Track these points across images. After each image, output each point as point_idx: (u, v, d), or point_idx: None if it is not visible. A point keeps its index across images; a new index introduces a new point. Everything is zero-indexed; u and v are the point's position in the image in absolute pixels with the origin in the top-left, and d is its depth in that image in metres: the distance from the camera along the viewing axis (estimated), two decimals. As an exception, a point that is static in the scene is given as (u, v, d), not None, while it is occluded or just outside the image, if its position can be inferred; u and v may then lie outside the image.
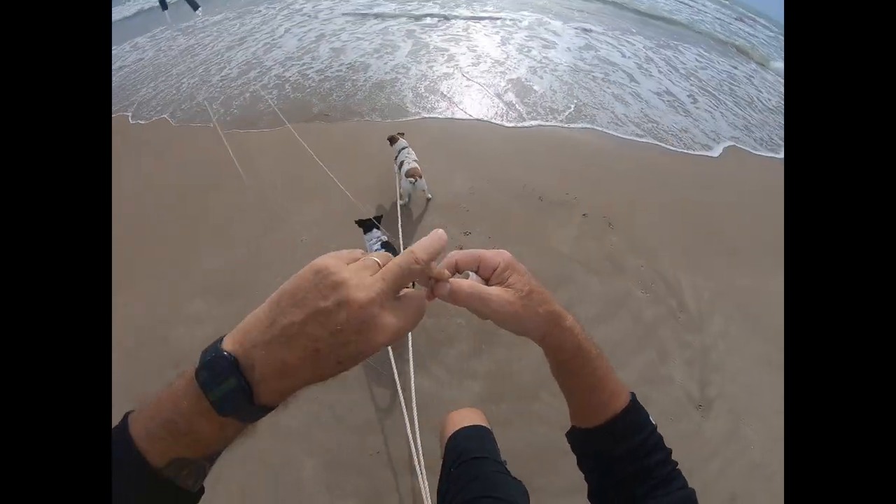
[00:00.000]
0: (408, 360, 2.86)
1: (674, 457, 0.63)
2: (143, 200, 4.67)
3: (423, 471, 1.92)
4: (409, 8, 9.96)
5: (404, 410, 2.49)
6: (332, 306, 0.42)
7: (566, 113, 6.16)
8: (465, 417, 1.50)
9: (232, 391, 0.42)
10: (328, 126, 5.75)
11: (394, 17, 9.41)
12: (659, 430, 0.65)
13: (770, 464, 2.65)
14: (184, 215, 4.43)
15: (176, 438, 0.42)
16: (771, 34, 13.03)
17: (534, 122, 5.90)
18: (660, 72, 7.96)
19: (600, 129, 5.92)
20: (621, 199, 4.53)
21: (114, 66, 8.28)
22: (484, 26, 9.09)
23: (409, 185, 3.79)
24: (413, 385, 2.73)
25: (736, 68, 8.97)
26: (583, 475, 0.70)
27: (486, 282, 0.59)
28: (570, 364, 0.62)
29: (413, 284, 0.56)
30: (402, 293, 0.49)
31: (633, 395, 0.65)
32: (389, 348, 2.82)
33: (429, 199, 4.24)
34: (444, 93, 6.46)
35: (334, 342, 0.42)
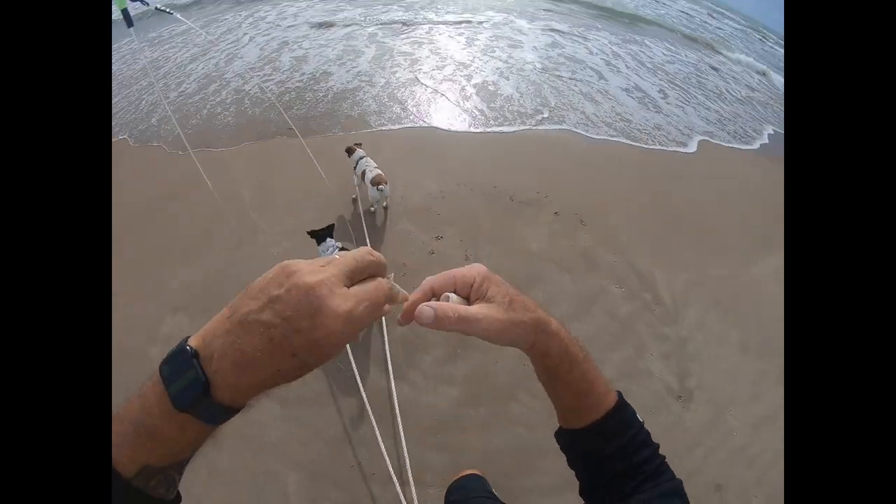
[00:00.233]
0: (387, 371, 2.86)
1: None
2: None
3: (412, 481, 1.99)
4: (375, 12, 10.00)
5: (374, 421, 2.51)
6: (284, 292, 0.43)
7: (535, 114, 6.23)
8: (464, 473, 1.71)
9: (190, 383, 0.42)
10: (288, 141, 5.66)
11: (359, 23, 9.42)
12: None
13: (752, 447, 2.69)
14: (152, 234, 4.30)
15: (142, 442, 0.42)
16: (738, 27, 13.45)
17: (502, 125, 5.96)
18: (627, 67, 8.13)
19: (571, 128, 6.01)
20: (593, 196, 4.59)
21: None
22: (448, 28, 9.18)
23: (377, 193, 3.78)
24: (395, 397, 2.73)
25: (702, 61, 9.22)
26: (573, 473, 0.70)
27: (467, 299, 0.58)
28: (558, 369, 0.61)
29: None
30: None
31: (619, 393, 0.66)
32: (353, 360, 2.80)
33: (386, 207, 4.25)
34: (410, 100, 6.45)
35: (287, 329, 0.42)
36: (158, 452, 0.43)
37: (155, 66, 8.23)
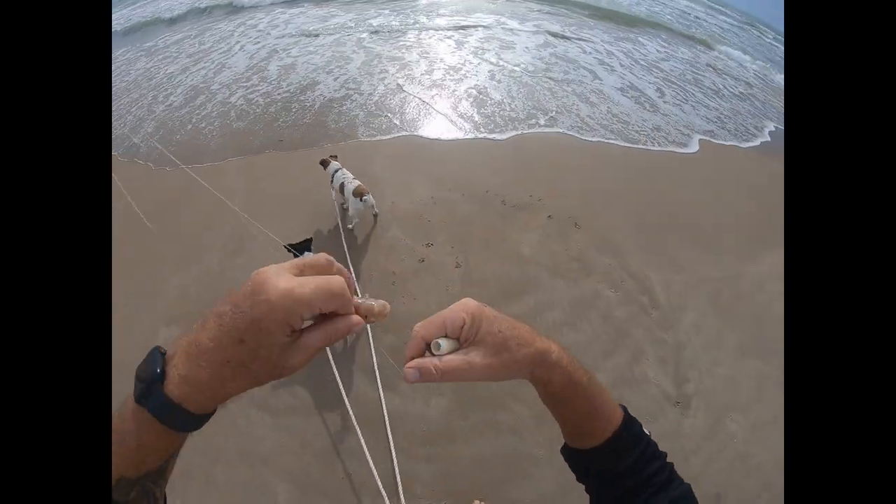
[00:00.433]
0: (377, 382, 2.86)
1: None
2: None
3: (402, 494, 1.98)
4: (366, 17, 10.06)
5: (360, 433, 2.49)
6: (241, 286, 0.46)
7: (528, 118, 6.22)
8: None
9: (150, 377, 0.44)
10: (279, 154, 5.67)
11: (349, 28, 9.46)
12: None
13: (755, 454, 2.66)
14: (147, 247, 4.31)
15: (115, 449, 0.44)
16: (734, 23, 13.48)
17: (494, 130, 5.95)
18: (622, 66, 8.13)
19: (565, 131, 6.00)
20: (588, 198, 4.57)
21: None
22: (438, 31, 9.21)
23: (360, 204, 3.74)
24: (385, 408, 2.73)
25: (698, 58, 9.22)
26: (566, 481, 0.73)
27: (458, 342, 0.57)
28: (561, 395, 0.61)
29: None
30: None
31: (624, 409, 0.66)
32: (336, 371, 2.80)
33: (376, 215, 4.23)
34: (399, 107, 6.44)
35: (234, 312, 0.44)
36: (129, 459, 0.45)
37: (147, 77, 8.33)
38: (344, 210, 4.08)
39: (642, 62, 8.45)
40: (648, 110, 6.79)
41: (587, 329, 3.30)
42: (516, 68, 7.62)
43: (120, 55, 9.88)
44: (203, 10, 12.20)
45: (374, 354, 3.02)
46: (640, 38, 9.62)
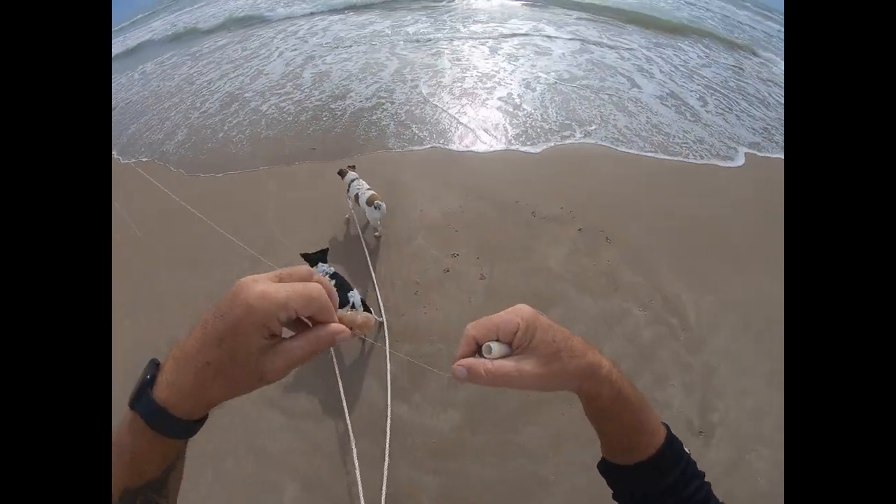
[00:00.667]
0: (386, 388, 2.93)
1: None
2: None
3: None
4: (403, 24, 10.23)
5: (353, 444, 2.57)
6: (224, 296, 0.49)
7: (562, 129, 6.14)
8: None
9: (143, 384, 0.49)
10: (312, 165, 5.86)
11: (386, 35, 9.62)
12: None
13: (779, 494, 2.53)
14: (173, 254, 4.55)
15: (115, 461, 0.47)
16: (781, 28, 12.95)
17: (527, 141, 5.91)
18: (661, 72, 7.95)
19: (599, 142, 5.90)
20: (622, 212, 4.49)
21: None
22: (473, 38, 9.25)
23: (376, 213, 3.81)
24: (389, 418, 2.79)
25: (741, 64, 8.91)
26: None
27: (510, 347, 0.58)
28: (608, 410, 0.62)
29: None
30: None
31: (666, 426, 0.66)
32: (339, 380, 2.90)
33: (378, 236, 4.26)
34: (430, 118, 6.49)
35: (215, 316, 0.47)
36: (128, 469, 0.47)
37: (188, 82, 8.79)
38: (363, 219, 4.19)
39: (682, 69, 8.23)
40: (690, 120, 6.55)
41: (611, 347, 3.24)
42: (551, 76, 7.55)
43: (166, 59, 10.42)
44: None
45: (388, 362, 3.07)
46: (681, 45, 9.38)
